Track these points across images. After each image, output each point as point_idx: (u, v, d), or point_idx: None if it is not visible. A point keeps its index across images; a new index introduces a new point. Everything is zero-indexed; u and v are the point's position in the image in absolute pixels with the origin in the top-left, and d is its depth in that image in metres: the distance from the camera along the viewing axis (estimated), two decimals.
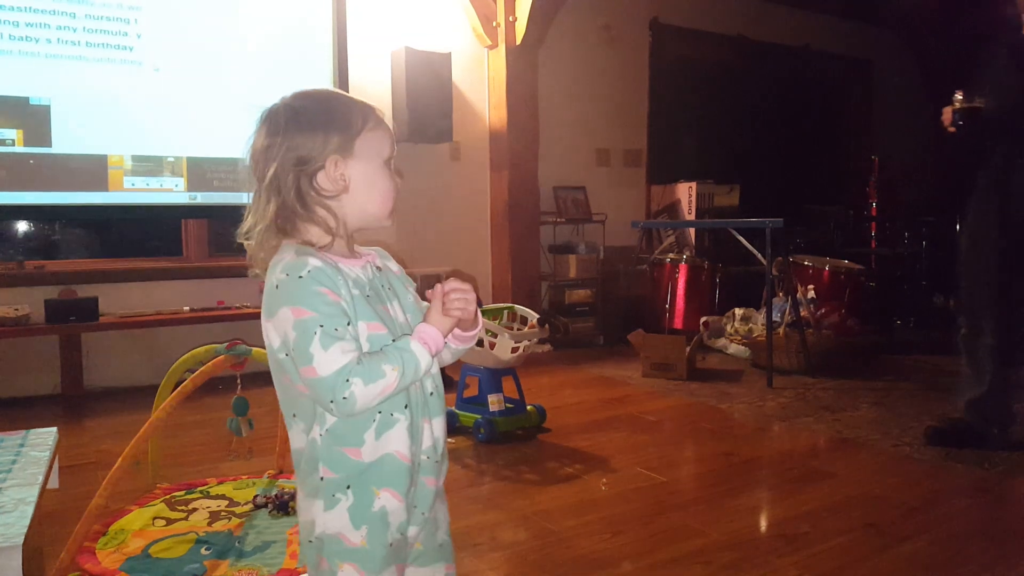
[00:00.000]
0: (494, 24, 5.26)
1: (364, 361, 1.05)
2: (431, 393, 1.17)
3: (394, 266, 1.27)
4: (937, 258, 6.18)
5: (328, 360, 1.03)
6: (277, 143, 1.11)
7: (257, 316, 3.92)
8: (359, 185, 1.14)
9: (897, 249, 6.33)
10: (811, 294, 4.98)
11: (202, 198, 4.19)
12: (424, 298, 1.21)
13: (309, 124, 1.12)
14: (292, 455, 1.17)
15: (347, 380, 1.03)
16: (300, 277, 1.05)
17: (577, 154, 5.94)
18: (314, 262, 1.07)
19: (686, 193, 6.04)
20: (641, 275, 5.51)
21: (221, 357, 2.28)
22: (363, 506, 1.09)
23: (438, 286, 1.16)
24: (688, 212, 6.03)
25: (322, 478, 1.09)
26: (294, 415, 1.13)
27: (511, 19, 5.20)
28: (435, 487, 1.19)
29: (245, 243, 1.15)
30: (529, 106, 5.38)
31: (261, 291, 1.11)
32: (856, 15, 7.56)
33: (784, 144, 7.39)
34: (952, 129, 2.92)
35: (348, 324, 1.07)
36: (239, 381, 2.45)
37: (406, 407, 1.12)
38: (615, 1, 6.03)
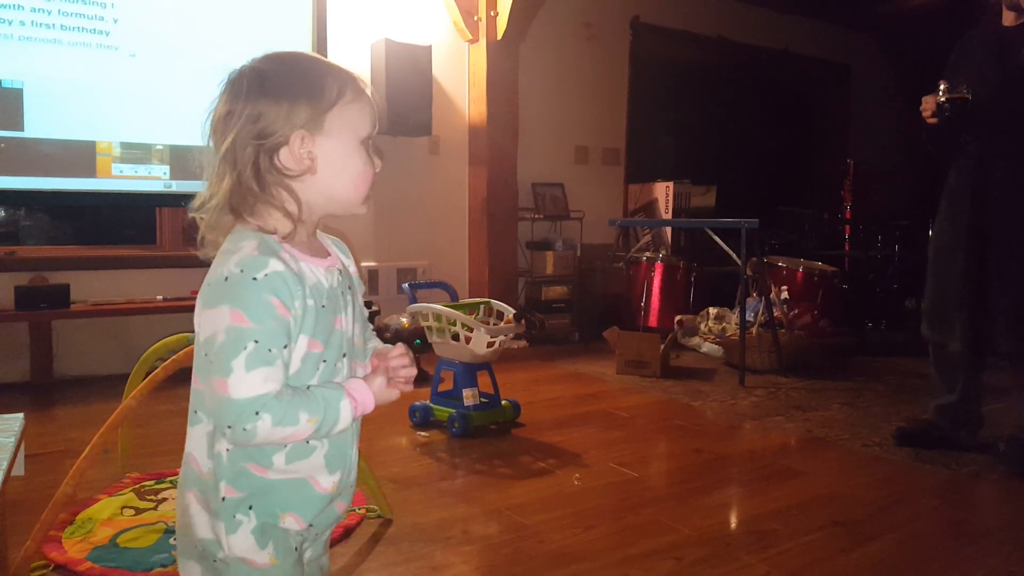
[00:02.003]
0: (475, 18, 5.24)
1: (284, 398, 0.95)
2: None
3: (352, 266, 1.16)
4: (909, 262, 6.26)
5: (246, 383, 0.93)
6: (237, 110, 0.99)
7: None
8: (328, 166, 1.02)
9: (870, 252, 6.39)
10: (784, 295, 5.02)
11: (177, 186, 4.14)
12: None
13: (274, 91, 0.99)
14: (185, 461, 1.06)
15: (257, 412, 0.93)
16: (255, 279, 0.95)
17: (556, 151, 5.95)
18: (275, 265, 0.96)
19: (663, 192, 6.06)
20: (617, 273, 5.54)
21: (193, 346, 2.26)
22: (267, 526, 1.02)
23: (388, 356, 1.09)
24: (665, 211, 6.06)
25: (224, 498, 1.00)
26: (195, 411, 1.03)
27: (492, 14, 5.19)
28: (343, 511, 1.12)
29: (198, 218, 1.03)
30: (509, 102, 5.37)
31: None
32: (835, 20, 7.63)
33: (761, 146, 7.45)
34: (933, 120, 2.79)
35: (285, 346, 0.97)
36: None
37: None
38: None
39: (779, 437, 3.25)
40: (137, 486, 2.47)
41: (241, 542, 1.00)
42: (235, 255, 0.97)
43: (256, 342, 0.93)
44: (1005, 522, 2.41)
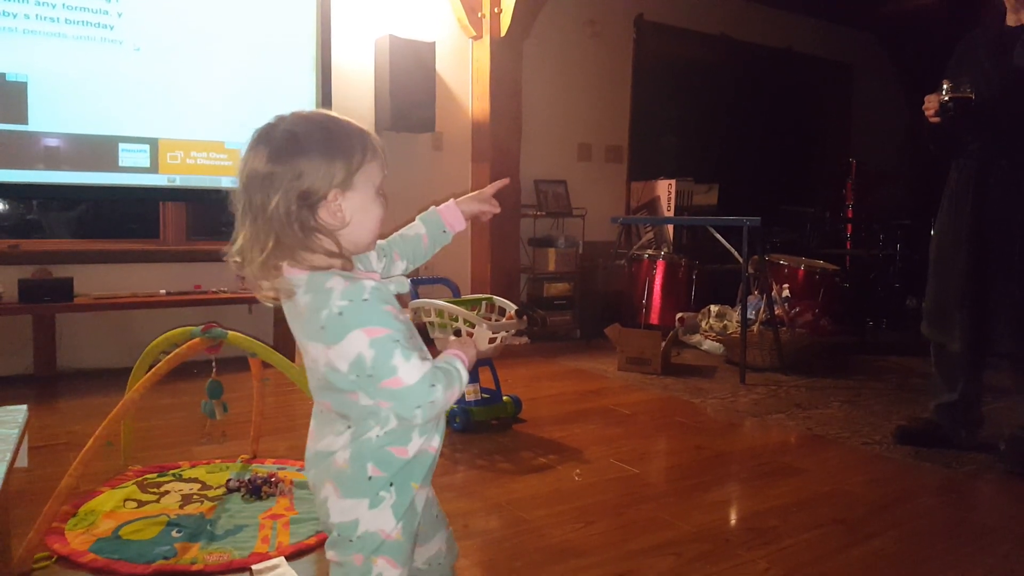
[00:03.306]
0: (479, 15, 5.24)
1: (436, 369, 1.14)
2: None
3: None
4: (910, 261, 6.26)
5: (412, 369, 1.10)
6: (279, 172, 1.09)
7: (233, 301, 3.94)
8: (354, 217, 1.14)
9: (872, 251, 6.39)
10: (786, 293, 5.03)
11: (181, 181, 4.15)
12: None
13: (311, 152, 1.10)
14: (314, 458, 1.21)
15: (432, 385, 1.11)
16: (365, 300, 1.10)
17: (559, 148, 5.95)
18: (367, 283, 1.11)
19: (665, 190, 6.07)
20: (619, 270, 5.54)
21: (196, 340, 2.27)
22: (403, 503, 1.17)
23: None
24: (667, 209, 6.06)
25: (370, 477, 1.16)
26: (348, 426, 1.17)
27: (496, 11, 5.19)
28: None
29: (235, 266, 1.15)
30: (512, 98, 5.38)
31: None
32: (838, 19, 7.62)
33: (763, 144, 7.44)
34: (936, 119, 2.78)
35: (410, 337, 1.14)
36: (214, 364, 2.43)
37: None
38: None
39: (779, 435, 3.26)
40: (139, 479, 2.48)
41: (379, 515, 1.16)
42: (332, 295, 1.10)
43: (397, 340, 1.10)
44: (1004, 521, 2.41)
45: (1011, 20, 2.82)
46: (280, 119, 1.14)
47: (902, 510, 2.44)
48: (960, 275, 2.87)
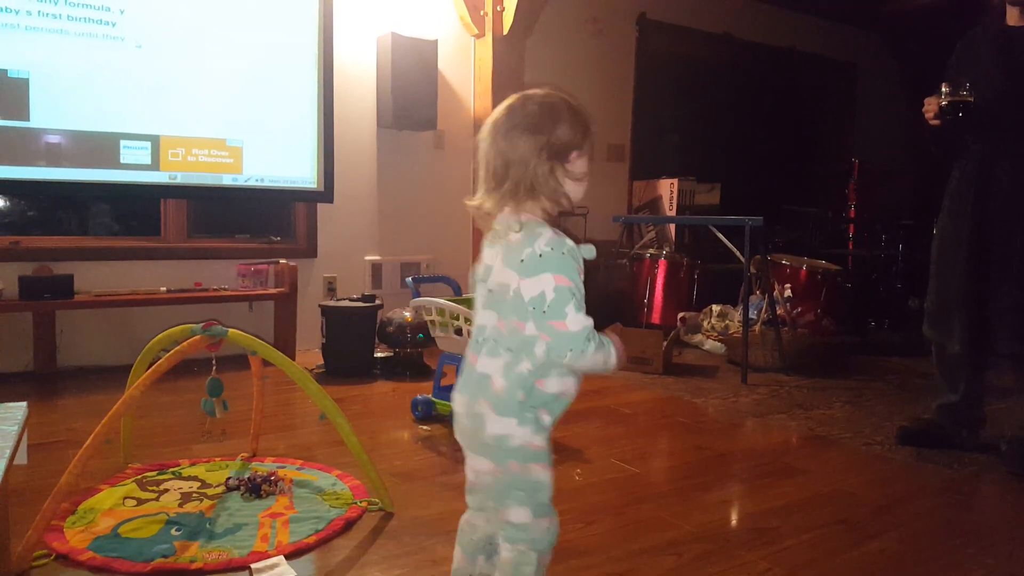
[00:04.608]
0: (481, 13, 5.23)
1: (598, 333, 1.35)
2: None
3: None
4: (913, 261, 6.25)
5: (578, 320, 1.33)
6: (540, 136, 1.36)
7: (234, 299, 3.94)
8: (579, 178, 1.42)
9: (874, 251, 6.38)
10: (788, 293, 5.02)
11: (182, 178, 4.15)
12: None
13: (565, 121, 1.38)
14: (479, 380, 1.42)
15: (587, 339, 1.33)
16: (563, 253, 1.34)
17: None
18: (569, 242, 1.37)
19: (668, 189, 6.06)
20: (621, 269, 5.53)
21: (197, 337, 2.27)
22: (540, 421, 1.41)
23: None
24: (669, 208, 6.05)
25: (520, 400, 1.38)
26: (508, 349, 1.39)
27: (499, 9, 5.17)
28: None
29: (474, 210, 1.42)
30: None
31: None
32: (842, 18, 7.61)
33: (766, 144, 7.42)
34: (936, 122, 2.79)
35: (584, 296, 1.35)
36: (214, 362, 2.43)
37: None
38: None
39: (781, 435, 3.25)
40: (139, 477, 2.48)
41: (526, 431, 1.40)
42: (539, 239, 1.35)
43: (574, 294, 1.34)
44: (1006, 522, 2.41)
45: (1012, 19, 2.81)
46: (526, 97, 1.40)
47: (904, 511, 2.43)
48: (961, 275, 2.87)
